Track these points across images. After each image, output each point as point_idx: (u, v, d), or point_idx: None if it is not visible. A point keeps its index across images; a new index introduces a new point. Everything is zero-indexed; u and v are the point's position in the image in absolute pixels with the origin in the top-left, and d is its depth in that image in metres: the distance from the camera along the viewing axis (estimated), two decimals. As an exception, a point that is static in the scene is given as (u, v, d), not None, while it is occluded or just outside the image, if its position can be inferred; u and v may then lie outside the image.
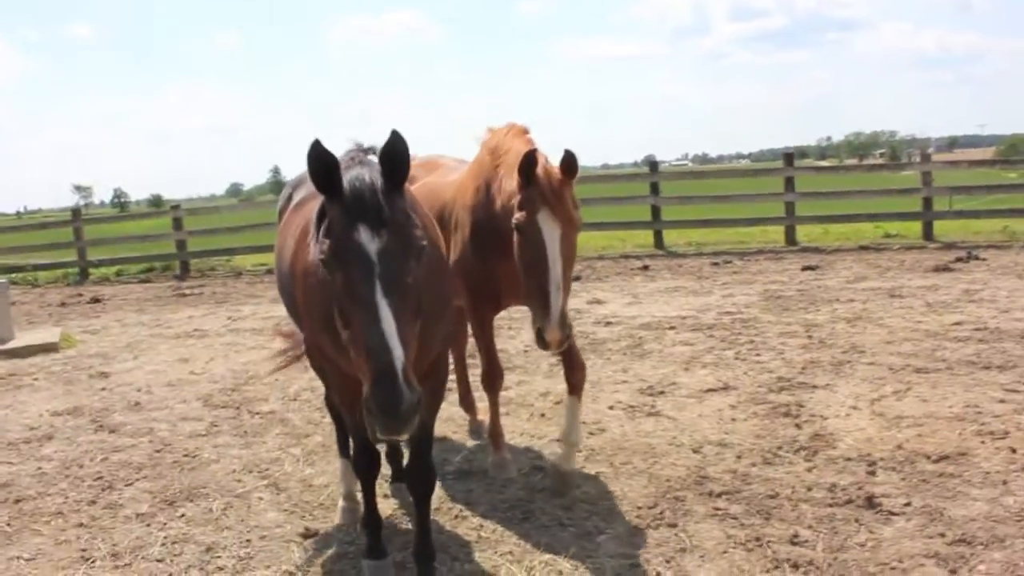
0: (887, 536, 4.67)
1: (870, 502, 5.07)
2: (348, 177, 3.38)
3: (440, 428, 7.19)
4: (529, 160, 4.78)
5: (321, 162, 3.32)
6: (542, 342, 4.71)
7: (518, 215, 4.83)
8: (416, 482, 4.35)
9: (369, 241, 3.28)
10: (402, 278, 3.31)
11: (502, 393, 8.17)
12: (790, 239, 19.13)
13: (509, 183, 5.13)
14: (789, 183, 19.30)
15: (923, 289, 12.40)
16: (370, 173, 3.40)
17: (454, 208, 5.83)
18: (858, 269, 14.99)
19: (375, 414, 3.08)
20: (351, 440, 4.68)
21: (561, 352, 5.58)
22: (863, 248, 17.75)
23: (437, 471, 6.18)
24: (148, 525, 5.55)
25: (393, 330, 3.15)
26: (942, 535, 4.61)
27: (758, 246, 19.06)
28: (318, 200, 4.15)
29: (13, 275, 23.67)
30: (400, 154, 3.41)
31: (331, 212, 3.39)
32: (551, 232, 4.71)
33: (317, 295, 3.96)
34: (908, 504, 5.03)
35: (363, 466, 4.61)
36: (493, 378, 6.06)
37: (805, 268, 15.33)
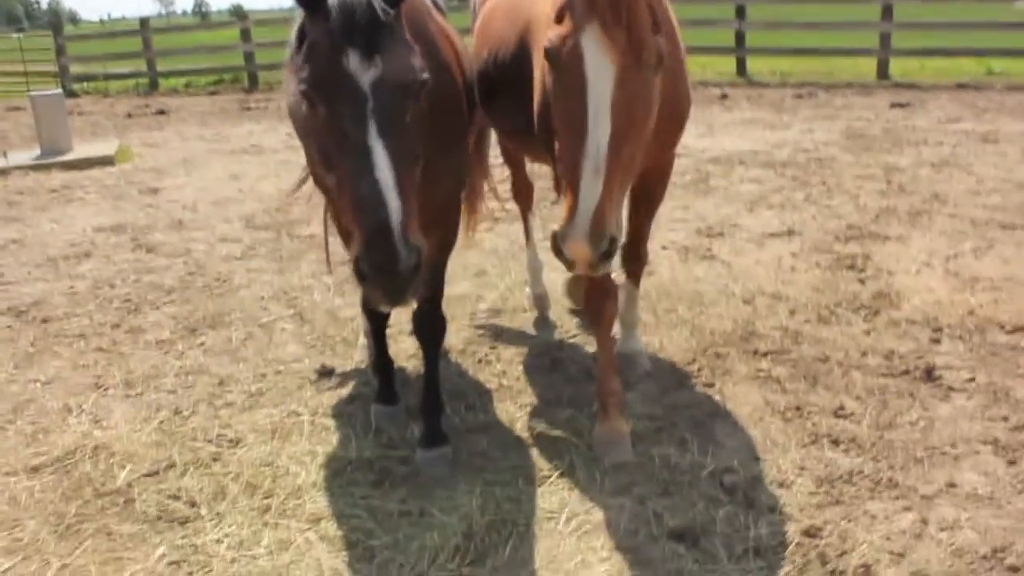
0: (942, 415, 4.23)
1: (929, 374, 4.61)
2: None
3: (480, 260, 6.88)
4: None
5: None
6: (559, 254, 3.01)
7: (550, 33, 3.07)
8: (424, 331, 4.02)
9: (361, 70, 2.76)
10: (400, 116, 2.81)
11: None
12: (882, 73, 17.83)
13: None
14: (887, 12, 17.81)
15: (1022, 134, 11.39)
16: None
17: (536, 31, 3.82)
18: (952, 109, 13.88)
19: (369, 279, 2.68)
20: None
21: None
22: (961, 86, 16.44)
23: (471, 307, 5.96)
24: (166, 353, 5.39)
25: (390, 179, 2.68)
26: (1005, 418, 4.15)
27: (847, 79, 17.83)
28: None
29: (85, 84, 23.67)
30: None
31: (313, 32, 2.87)
32: (599, 66, 2.93)
33: (306, 122, 3.54)
34: (971, 380, 4.56)
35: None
36: (596, 302, 4.07)
37: (894, 105, 14.27)
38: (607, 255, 2.94)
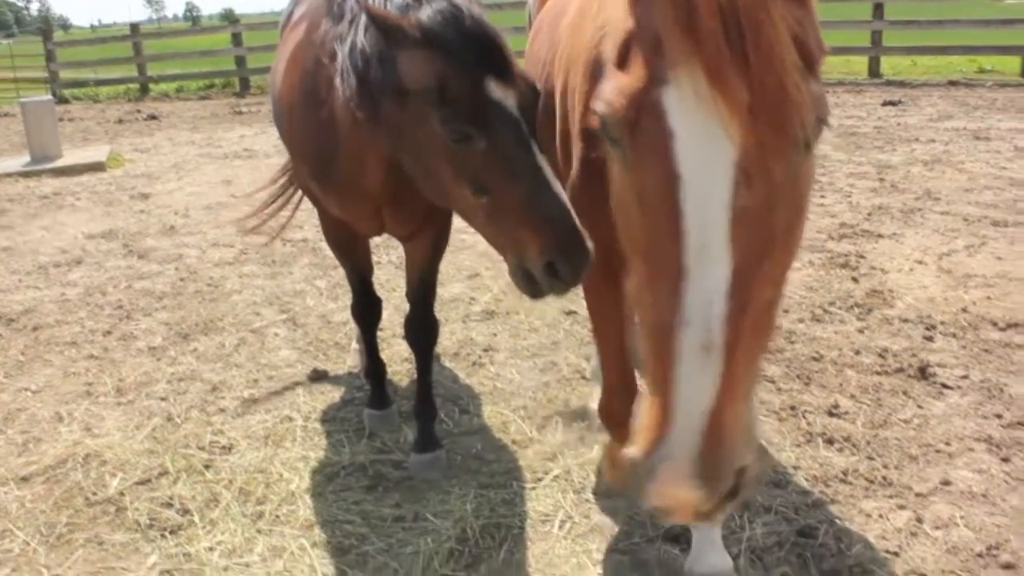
0: (936, 413, 4.22)
1: (923, 372, 4.60)
2: (436, 9, 2.82)
3: (474, 263, 6.87)
4: None
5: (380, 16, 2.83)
6: (641, 493, 1.59)
7: (606, 87, 1.69)
8: (416, 335, 4.00)
9: (504, 96, 2.76)
10: (538, 130, 2.86)
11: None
12: (874, 71, 17.90)
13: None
14: (878, 10, 17.87)
15: (1013, 132, 11.41)
16: (466, 5, 2.85)
17: (566, 65, 2.77)
18: (944, 106, 13.91)
19: (567, 280, 2.70)
20: (350, 284, 4.33)
21: None
22: (952, 83, 16.49)
23: (465, 309, 5.95)
24: (158, 359, 5.36)
25: (559, 186, 2.72)
26: (999, 416, 4.14)
27: (838, 77, 17.84)
28: (314, 20, 3.62)
29: (76, 90, 23.62)
30: None
31: (431, 66, 2.80)
32: (707, 149, 1.55)
33: (304, 133, 3.52)
34: (965, 377, 4.55)
35: (362, 311, 4.28)
36: (611, 407, 3.10)
37: (886, 103, 14.32)
38: (731, 496, 1.59)
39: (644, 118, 1.60)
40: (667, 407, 1.54)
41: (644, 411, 1.60)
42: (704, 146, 1.54)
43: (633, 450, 1.59)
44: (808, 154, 1.61)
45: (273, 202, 5.49)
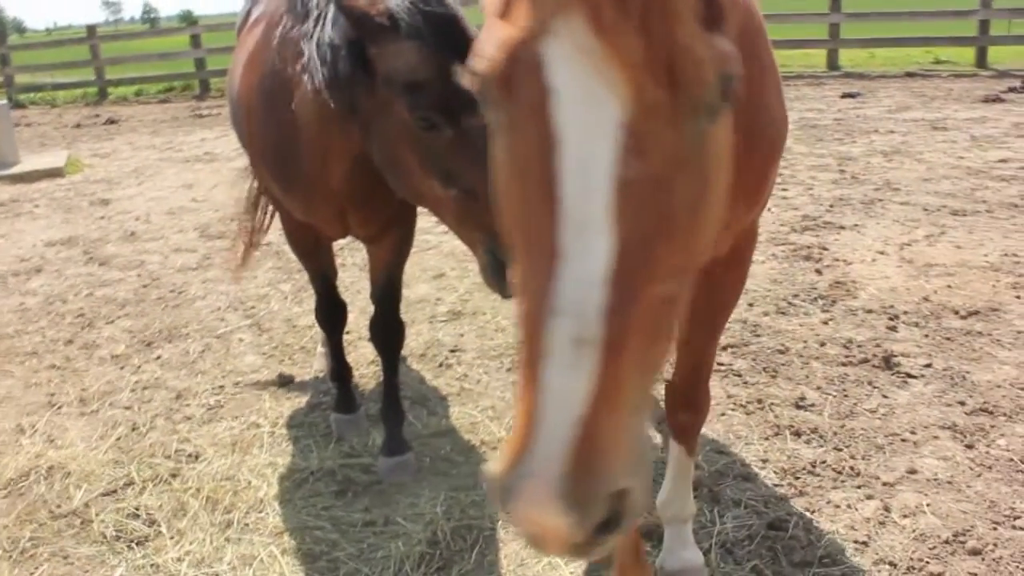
0: (901, 402, 4.27)
1: (887, 362, 4.65)
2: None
3: (439, 263, 6.85)
4: None
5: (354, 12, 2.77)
6: (509, 516, 1.30)
7: (483, 40, 1.48)
8: (382, 337, 3.98)
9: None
10: None
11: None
12: (832, 63, 18.08)
13: None
14: (835, 2, 18.06)
15: (969, 121, 11.57)
16: None
17: None
18: (901, 98, 14.07)
19: None
20: (314, 288, 4.30)
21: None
22: (909, 75, 16.70)
23: (431, 310, 5.92)
24: (121, 368, 5.29)
25: None
26: (962, 403, 4.20)
27: (798, 70, 18.00)
28: (272, 20, 3.59)
29: (32, 94, 23.26)
30: None
31: (401, 54, 2.78)
32: (588, 109, 1.30)
33: (264, 135, 3.48)
34: (928, 365, 4.60)
35: (327, 315, 4.24)
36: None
37: (845, 95, 14.45)
38: (609, 527, 1.29)
39: (522, 74, 1.36)
40: (533, 413, 1.27)
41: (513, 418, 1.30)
42: (586, 105, 1.31)
43: (495, 464, 1.31)
44: (716, 121, 1.38)
45: (254, 232, 5.47)
